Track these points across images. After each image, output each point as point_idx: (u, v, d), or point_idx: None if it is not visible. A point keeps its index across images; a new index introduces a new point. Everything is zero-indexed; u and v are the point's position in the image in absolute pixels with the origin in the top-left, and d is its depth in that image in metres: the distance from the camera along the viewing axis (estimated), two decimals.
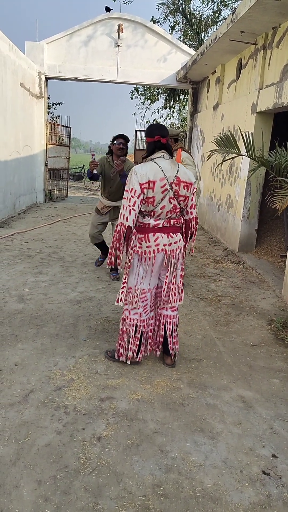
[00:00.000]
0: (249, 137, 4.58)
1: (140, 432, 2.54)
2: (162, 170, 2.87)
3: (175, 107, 17.14)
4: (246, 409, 2.85)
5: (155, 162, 2.90)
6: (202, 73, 10.07)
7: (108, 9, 11.05)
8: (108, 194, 5.19)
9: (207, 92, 10.25)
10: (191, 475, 2.24)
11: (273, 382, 3.22)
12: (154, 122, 16.61)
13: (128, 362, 3.24)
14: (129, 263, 3.08)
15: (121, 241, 2.94)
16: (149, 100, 17.06)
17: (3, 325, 3.88)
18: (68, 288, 5.00)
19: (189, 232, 3.21)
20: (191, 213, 3.13)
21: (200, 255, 7.03)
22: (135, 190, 2.85)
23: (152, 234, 2.99)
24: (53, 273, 5.53)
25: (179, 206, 3.00)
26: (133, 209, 2.86)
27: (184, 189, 2.95)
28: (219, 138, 4.94)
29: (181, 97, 16.01)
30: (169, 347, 3.28)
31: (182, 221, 3.14)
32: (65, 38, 11.09)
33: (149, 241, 2.99)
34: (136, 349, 3.21)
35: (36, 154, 11.57)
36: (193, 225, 3.18)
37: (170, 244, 3.02)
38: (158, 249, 2.99)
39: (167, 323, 3.25)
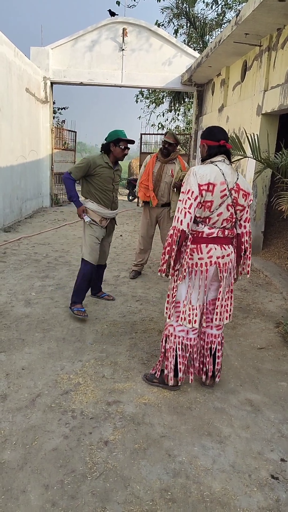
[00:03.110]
0: (254, 139, 4.57)
1: (147, 436, 2.53)
2: (223, 174, 2.66)
3: (180, 110, 17.17)
4: (254, 413, 2.82)
5: (216, 165, 2.69)
6: (207, 75, 10.08)
7: (112, 13, 11.10)
8: (111, 202, 4.23)
9: (212, 95, 10.25)
10: (199, 480, 2.22)
11: (281, 385, 3.19)
12: (160, 125, 16.64)
13: (171, 383, 2.99)
14: (182, 275, 2.78)
15: (174, 246, 2.69)
16: (154, 103, 17.11)
17: (10, 329, 3.89)
18: None
19: (242, 247, 2.92)
20: (245, 226, 2.88)
21: None
22: (193, 192, 2.63)
23: (205, 245, 2.74)
24: (60, 277, 5.54)
25: (235, 216, 2.79)
26: (188, 211, 2.63)
27: (243, 198, 2.74)
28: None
29: (186, 100, 16.03)
30: (215, 368, 3.05)
31: (235, 232, 2.90)
32: (70, 43, 11.16)
33: (201, 253, 2.74)
34: (185, 369, 2.96)
35: (42, 159, 11.63)
36: (246, 240, 2.91)
37: (223, 257, 2.78)
38: (211, 261, 2.75)
39: (212, 343, 3.00)
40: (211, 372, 3.05)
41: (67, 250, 7.04)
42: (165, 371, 3.00)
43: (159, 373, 3.08)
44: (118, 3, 12.90)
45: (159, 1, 13.72)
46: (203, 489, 2.16)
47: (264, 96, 6.54)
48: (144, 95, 16.88)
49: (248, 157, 4.69)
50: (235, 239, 2.92)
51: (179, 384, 3.01)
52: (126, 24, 11.04)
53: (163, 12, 15.41)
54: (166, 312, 2.91)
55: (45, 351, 3.51)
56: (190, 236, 2.73)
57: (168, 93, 16.18)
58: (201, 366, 3.09)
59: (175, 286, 2.86)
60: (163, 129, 16.88)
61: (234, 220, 2.80)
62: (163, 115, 17.15)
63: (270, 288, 5.52)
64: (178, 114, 17.29)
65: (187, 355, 2.95)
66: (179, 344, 2.92)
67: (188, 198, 2.64)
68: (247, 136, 4.67)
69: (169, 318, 2.93)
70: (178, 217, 2.67)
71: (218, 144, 2.74)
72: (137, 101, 17.01)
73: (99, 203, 4.15)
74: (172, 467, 2.30)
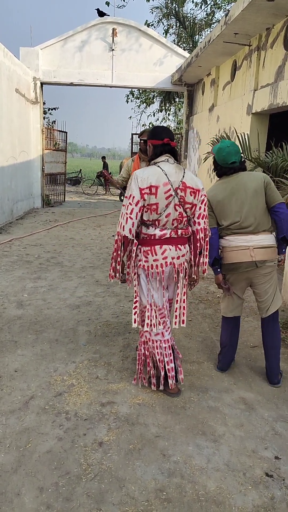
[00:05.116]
0: (245, 138, 4.59)
1: (142, 436, 2.53)
2: (166, 175, 2.64)
3: (171, 110, 17.20)
4: (248, 411, 2.83)
5: (158, 166, 2.68)
6: (197, 75, 10.10)
7: (101, 13, 11.06)
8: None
9: (202, 94, 10.28)
10: (194, 479, 2.22)
11: None
12: (151, 125, 16.68)
13: (154, 388, 2.96)
14: (136, 280, 2.83)
15: (119, 252, 2.75)
16: (144, 104, 17.12)
17: (2, 331, 3.87)
18: (67, 293, 4.99)
19: (198, 245, 2.85)
20: (199, 223, 2.80)
21: None
22: (134, 197, 2.62)
23: (159, 246, 2.73)
24: (52, 278, 5.51)
25: (185, 215, 2.73)
26: (130, 217, 2.64)
27: (191, 195, 2.70)
28: (215, 140, 4.94)
29: (177, 99, 16.07)
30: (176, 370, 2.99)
31: (190, 231, 2.85)
32: (59, 43, 11.13)
33: (156, 254, 2.73)
34: (173, 374, 2.90)
35: (32, 160, 11.58)
36: (202, 237, 2.83)
37: (178, 257, 2.77)
38: (166, 262, 2.74)
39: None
40: (172, 373, 2.93)
41: (59, 251, 7.02)
42: (139, 374, 3.01)
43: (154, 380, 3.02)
44: (107, 3, 12.88)
45: (148, 1, 13.71)
46: (198, 488, 2.16)
47: (254, 96, 6.56)
48: (135, 95, 16.89)
49: None
50: (191, 237, 2.88)
51: (172, 388, 2.95)
52: (115, 24, 11.04)
53: (152, 12, 15.44)
54: (135, 320, 2.85)
55: (38, 353, 3.49)
56: (135, 241, 2.74)
57: (159, 93, 16.21)
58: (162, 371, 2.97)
59: (135, 294, 2.87)
60: None
61: (185, 219, 2.76)
62: (154, 115, 17.18)
63: None
64: (168, 114, 17.33)
65: (172, 358, 2.91)
66: (157, 349, 2.90)
67: (130, 203, 2.65)
68: (237, 136, 4.68)
69: (141, 326, 2.91)
70: (121, 223, 2.69)
71: (162, 142, 2.73)
72: (127, 101, 17.01)
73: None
74: (167, 467, 2.29)
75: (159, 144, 2.75)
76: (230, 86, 8.02)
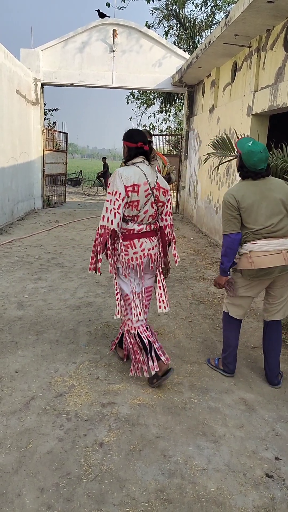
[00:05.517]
0: None
1: (142, 437, 2.53)
2: (145, 175, 2.89)
3: (171, 111, 17.21)
4: (248, 412, 2.84)
5: (138, 167, 2.91)
6: (197, 76, 10.11)
7: (101, 14, 11.07)
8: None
9: (203, 96, 10.29)
10: (194, 480, 2.23)
11: None
12: (151, 126, 16.72)
13: (153, 372, 3.00)
14: (116, 273, 3.04)
15: (105, 245, 2.94)
16: (145, 105, 17.13)
17: (3, 332, 3.87)
18: (67, 293, 4.99)
19: (166, 239, 3.15)
20: (166, 220, 3.11)
21: (199, 258, 7.03)
22: (120, 193, 2.82)
23: (137, 239, 2.97)
24: (52, 279, 5.52)
25: (158, 211, 3.04)
26: (118, 212, 2.83)
27: (163, 195, 3.00)
28: (215, 141, 4.95)
29: (177, 100, 16.08)
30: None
31: (158, 225, 3.12)
32: (60, 45, 11.14)
33: (135, 247, 2.97)
34: (163, 350, 3.06)
35: (33, 161, 11.59)
36: (169, 232, 3.14)
37: (153, 248, 3.05)
38: (144, 254, 3.00)
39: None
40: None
41: (60, 252, 7.03)
42: (134, 364, 3.08)
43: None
44: (108, 4, 12.90)
45: (149, 2, 13.73)
46: (198, 489, 2.17)
47: (254, 97, 6.57)
48: (135, 96, 16.90)
49: None
50: (159, 232, 3.14)
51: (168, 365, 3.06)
52: (116, 26, 11.05)
53: (153, 14, 15.45)
54: (119, 312, 3.04)
55: (38, 354, 3.50)
56: (120, 234, 2.93)
57: (159, 94, 16.22)
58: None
59: (116, 287, 3.04)
60: (154, 130, 16.90)
61: (157, 215, 3.06)
62: (154, 116, 17.19)
63: None
64: (169, 115, 17.33)
65: (151, 339, 3.02)
66: (142, 333, 3.02)
67: (116, 199, 2.83)
68: (237, 137, 4.69)
69: (124, 317, 3.09)
70: (108, 217, 2.86)
71: (136, 145, 2.96)
72: (128, 102, 17.03)
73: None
74: (167, 468, 2.30)
75: (133, 147, 2.97)
76: (230, 87, 8.03)
